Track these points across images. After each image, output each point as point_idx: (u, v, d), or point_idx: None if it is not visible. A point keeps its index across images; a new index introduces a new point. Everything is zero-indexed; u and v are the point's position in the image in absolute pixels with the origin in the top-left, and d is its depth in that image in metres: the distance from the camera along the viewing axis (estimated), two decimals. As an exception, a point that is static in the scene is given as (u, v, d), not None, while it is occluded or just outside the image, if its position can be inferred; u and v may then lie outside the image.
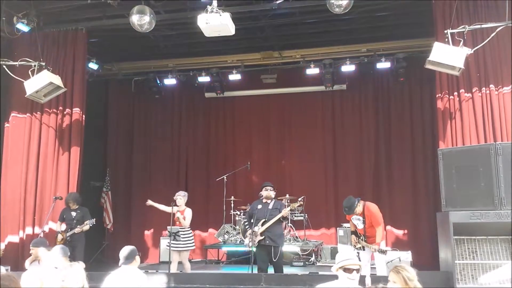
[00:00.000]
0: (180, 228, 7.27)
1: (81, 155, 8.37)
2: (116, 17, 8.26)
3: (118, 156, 11.81)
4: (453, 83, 7.31)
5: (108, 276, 4.14)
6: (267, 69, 10.85)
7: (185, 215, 7.37)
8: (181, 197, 7.45)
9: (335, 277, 3.64)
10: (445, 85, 7.38)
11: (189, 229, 7.44)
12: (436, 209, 8.26)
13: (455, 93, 7.29)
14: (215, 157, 11.60)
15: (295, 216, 9.97)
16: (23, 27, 8.02)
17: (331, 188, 10.88)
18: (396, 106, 10.73)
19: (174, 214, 7.31)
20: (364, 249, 6.46)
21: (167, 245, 7.41)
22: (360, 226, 6.52)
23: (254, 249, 6.80)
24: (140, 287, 4.06)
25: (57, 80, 7.78)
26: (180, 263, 7.39)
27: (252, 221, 6.83)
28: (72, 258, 5.75)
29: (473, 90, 7.16)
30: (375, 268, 6.49)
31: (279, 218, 6.70)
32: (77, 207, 7.63)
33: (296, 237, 9.89)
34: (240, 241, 9.50)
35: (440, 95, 7.44)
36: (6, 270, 5.08)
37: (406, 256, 8.23)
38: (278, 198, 8.03)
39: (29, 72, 7.70)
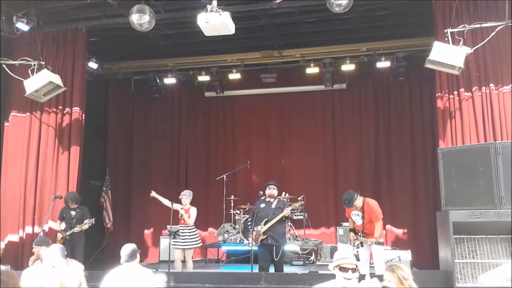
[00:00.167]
0: (185, 226, 7.32)
1: (81, 154, 8.36)
2: (116, 17, 8.27)
3: (118, 155, 11.81)
4: (453, 83, 7.32)
5: (108, 274, 4.11)
6: (267, 68, 10.82)
7: (190, 213, 7.43)
8: (186, 196, 7.50)
9: (334, 276, 3.65)
10: (445, 85, 7.38)
11: (194, 226, 7.50)
12: (436, 208, 8.27)
13: (455, 92, 7.29)
14: (215, 156, 11.59)
15: (295, 215, 9.96)
16: (22, 26, 8.01)
17: (330, 187, 10.88)
18: (396, 105, 10.73)
19: (178, 212, 7.36)
20: (362, 245, 6.46)
21: (173, 244, 7.41)
22: (359, 222, 6.53)
23: (255, 248, 6.81)
24: (147, 283, 4.06)
25: (56, 79, 7.78)
26: (183, 261, 7.40)
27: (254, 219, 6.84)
28: (72, 257, 5.70)
29: (473, 89, 7.16)
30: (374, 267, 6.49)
31: (282, 218, 6.70)
32: (76, 206, 7.63)
33: (296, 236, 9.90)
34: (239, 240, 9.49)
35: (440, 94, 7.44)
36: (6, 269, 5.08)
37: (406, 255, 8.25)
38: (277, 196, 8.02)
39: (29, 71, 7.70)
